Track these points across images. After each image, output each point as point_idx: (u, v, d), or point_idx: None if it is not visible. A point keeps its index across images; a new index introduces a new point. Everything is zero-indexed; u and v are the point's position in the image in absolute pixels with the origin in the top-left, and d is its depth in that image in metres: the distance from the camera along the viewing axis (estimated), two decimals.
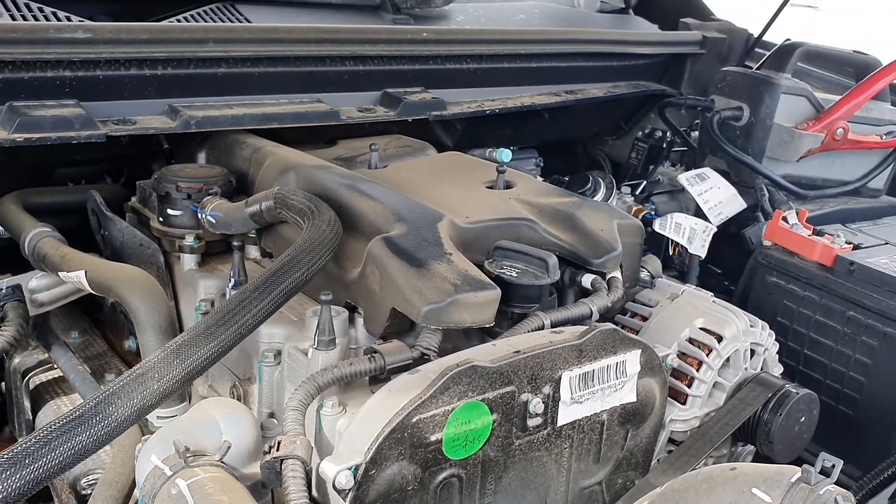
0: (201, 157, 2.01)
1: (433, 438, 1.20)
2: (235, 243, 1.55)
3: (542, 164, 2.86)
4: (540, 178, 2.52)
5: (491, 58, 2.33)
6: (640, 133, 2.92)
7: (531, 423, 1.31)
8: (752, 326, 1.65)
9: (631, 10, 3.10)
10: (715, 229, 2.13)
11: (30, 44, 1.63)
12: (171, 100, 1.84)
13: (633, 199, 2.38)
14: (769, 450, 1.58)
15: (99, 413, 1.10)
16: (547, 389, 1.32)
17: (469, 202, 1.72)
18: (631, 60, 2.70)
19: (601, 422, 1.42)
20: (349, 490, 1.13)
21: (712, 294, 1.71)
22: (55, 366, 1.74)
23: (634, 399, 1.45)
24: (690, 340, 1.62)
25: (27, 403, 1.71)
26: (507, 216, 1.66)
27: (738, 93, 2.38)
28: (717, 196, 2.19)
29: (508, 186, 1.84)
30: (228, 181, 1.78)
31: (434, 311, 1.32)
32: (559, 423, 1.35)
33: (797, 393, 1.58)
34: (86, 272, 1.50)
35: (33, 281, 1.72)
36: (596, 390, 1.38)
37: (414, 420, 1.17)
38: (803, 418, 1.60)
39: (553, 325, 1.45)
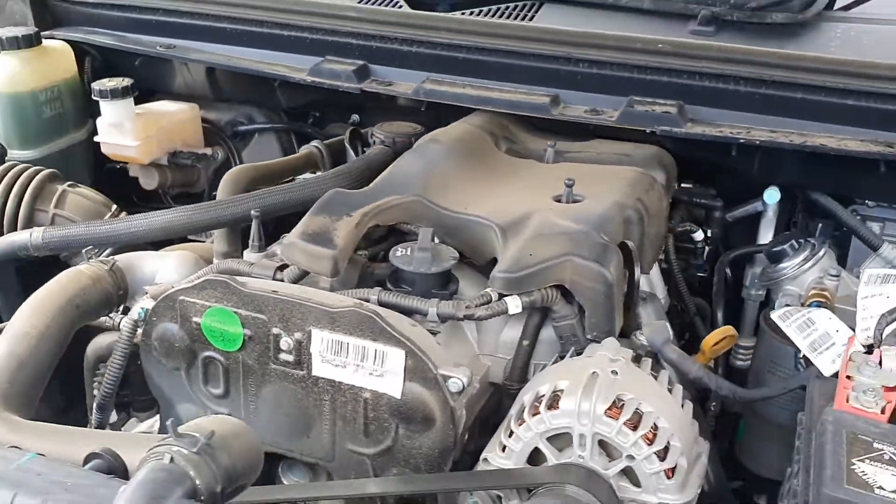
0: None
1: (194, 320, 1.60)
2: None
3: None
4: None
5: (770, 84, 2.04)
6: None
7: (283, 357, 1.55)
8: (610, 417, 1.38)
9: None
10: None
11: (325, 16, 2.38)
12: (428, 73, 2.33)
13: (836, 278, 1.79)
14: None
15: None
16: (298, 336, 1.53)
17: (504, 201, 1.82)
18: None
19: (364, 398, 1.52)
20: (137, 321, 1.67)
21: (651, 374, 1.46)
22: None
23: (398, 397, 1.49)
24: (537, 393, 1.47)
25: None
26: (483, 217, 1.74)
27: None
28: (883, 306, 1.54)
29: (576, 201, 1.82)
30: (410, 139, 2.22)
31: (285, 245, 1.69)
32: (315, 373, 1.55)
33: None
34: None
35: None
36: (350, 363, 1.51)
37: (179, 298, 1.60)
38: None
39: (380, 304, 1.58)
